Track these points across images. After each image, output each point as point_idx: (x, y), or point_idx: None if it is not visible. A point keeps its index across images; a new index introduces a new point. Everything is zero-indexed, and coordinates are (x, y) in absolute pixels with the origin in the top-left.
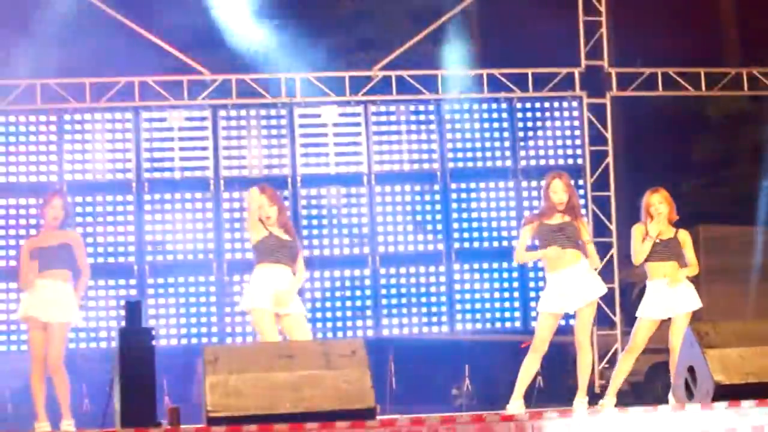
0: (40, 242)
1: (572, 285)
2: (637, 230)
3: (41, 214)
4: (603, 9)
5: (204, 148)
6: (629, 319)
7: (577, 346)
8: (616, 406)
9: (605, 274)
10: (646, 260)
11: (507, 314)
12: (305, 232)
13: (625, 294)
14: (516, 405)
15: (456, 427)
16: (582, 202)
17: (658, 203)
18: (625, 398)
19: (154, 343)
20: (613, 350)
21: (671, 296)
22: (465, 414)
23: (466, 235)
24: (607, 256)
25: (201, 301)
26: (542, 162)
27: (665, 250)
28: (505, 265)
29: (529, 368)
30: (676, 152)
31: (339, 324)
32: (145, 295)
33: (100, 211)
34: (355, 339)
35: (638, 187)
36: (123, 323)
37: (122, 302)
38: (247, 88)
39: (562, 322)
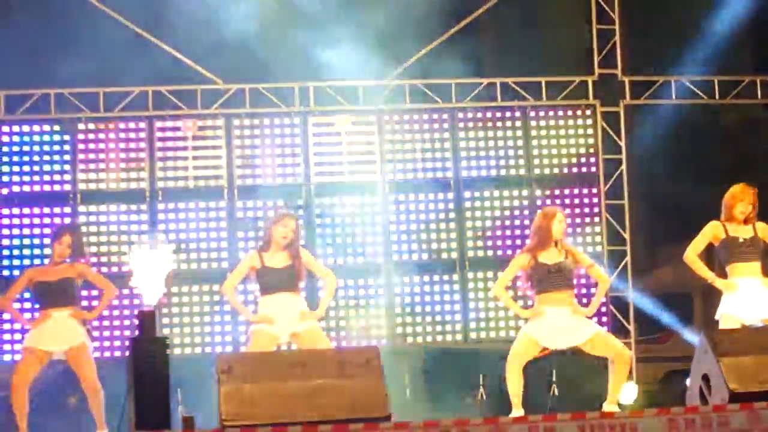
0: (42, 275)
1: (560, 324)
2: (711, 228)
3: (51, 245)
4: (616, 17)
5: (218, 157)
6: (643, 329)
7: (615, 357)
8: None
9: (619, 283)
10: (730, 261)
11: (521, 323)
12: (318, 241)
13: (640, 303)
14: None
15: (469, 429)
16: (596, 210)
17: (747, 203)
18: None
19: (168, 352)
20: None
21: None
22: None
23: (479, 243)
24: (621, 265)
25: (215, 310)
26: (556, 170)
27: (750, 250)
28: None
29: (514, 380)
30: (691, 160)
31: (353, 333)
32: (159, 304)
33: (114, 221)
34: (369, 347)
35: (652, 196)
36: (136, 332)
37: (136, 311)
38: (260, 97)
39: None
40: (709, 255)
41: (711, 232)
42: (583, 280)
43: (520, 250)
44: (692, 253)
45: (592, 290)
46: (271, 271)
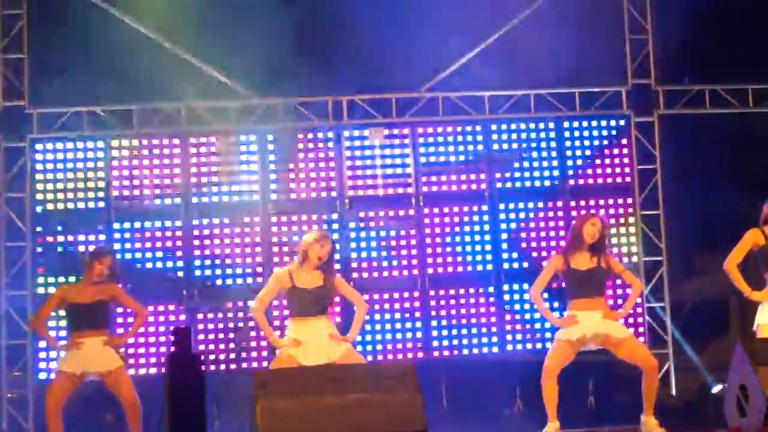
0: (76, 296)
1: (594, 325)
2: (751, 235)
3: (88, 265)
4: (649, 27)
5: (253, 172)
6: (680, 339)
7: (643, 364)
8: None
9: (655, 292)
10: None
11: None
12: (354, 255)
13: (677, 312)
14: (552, 427)
15: None
16: (631, 221)
17: None
18: (676, 418)
19: (203, 368)
20: (665, 369)
21: None
22: None
23: (515, 255)
24: (657, 275)
25: (250, 325)
26: (590, 181)
27: None
28: (554, 285)
29: (550, 392)
30: (727, 169)
31: (389, 346)
32: (194, 320)
33: (149, 237)
34: (404, 361)
35: (687, 205)
36: (172, 349)
37: (171, 328)
38: (294, 111)
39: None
40: (751, 263)
41: (751, 239)
42: (618, 290)
43: (555, 252)
44: (732, 263)
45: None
46: (301, 292)
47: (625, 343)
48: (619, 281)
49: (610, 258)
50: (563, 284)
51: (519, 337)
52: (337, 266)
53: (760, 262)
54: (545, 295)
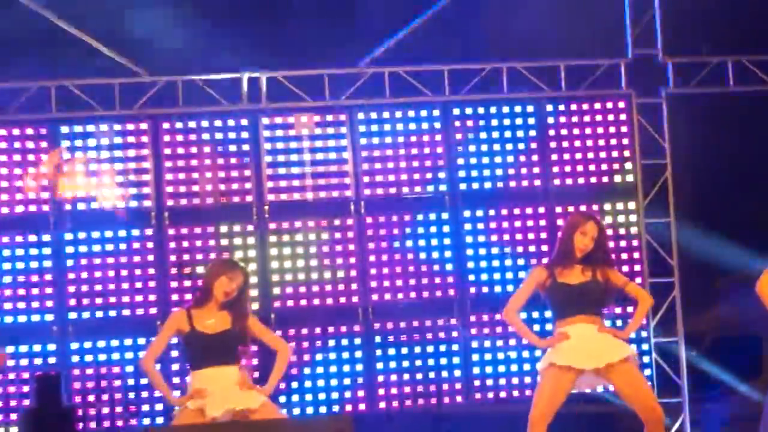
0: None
1: (589, 342)
2: None
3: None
4: None
5: (144, 171)
6: (699, 381)
7: (644, 414)
8: None
9: (667, 324)
10: None
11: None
12: (275, 279)
13: (693, 349)
14: None
15: None
16: (633, 231)
17: None
18: None
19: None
20: (678, 424)
21: None
22: None
23: (484, 277)
24: (668, 302)
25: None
26: (580, 180)
27: None
28: (535, 314)
29: None
30: (756, 164)
31: (321, 396)
32: (67, 363)
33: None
34: (341, 415)
35: (706, 211)
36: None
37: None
38: (197, 92)
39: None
40: None
41: None
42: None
43: (537, 264)
44: (766, 286)
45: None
46: (203, 338)
47: (625, 370)
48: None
49: (609, 270)
50: (548, 304)
51: (490, 382)
52: (253, 293)
53: None
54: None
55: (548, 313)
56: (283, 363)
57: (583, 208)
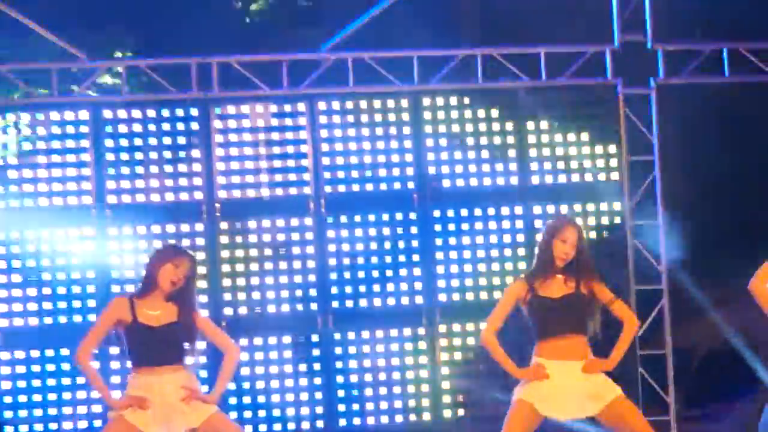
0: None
1: (569, 386)
2: None
3: None
4: None
5: (83, 164)
6: (688, 399)
7: None
8: None
9: (654, 335)
10: None
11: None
12: (226, 283)
13: (683, 365)
14: None
15: None
16: (619, 234)
17: None
18: None
19: None
20: None
21: None
22: None
23: (455, 283)
24: (656, 311)
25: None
26: (561, 179)
27: None
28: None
29: None
30: (754, 160)
31: (276, 412)
32: None
33: None
34: None
35: (698, 213)
36: None
37: None
38: (143, 79)
39: None
40: None
41: None
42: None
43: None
44: (760, 283)
45: None
46: (147, 332)
47: (613, 407)
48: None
49: (594, 283)
50: (529, 321)
51: (461, 398)
52: (203, 299)
53: None
54: None
55: None
56: (231, 366)
57: (564, 208)
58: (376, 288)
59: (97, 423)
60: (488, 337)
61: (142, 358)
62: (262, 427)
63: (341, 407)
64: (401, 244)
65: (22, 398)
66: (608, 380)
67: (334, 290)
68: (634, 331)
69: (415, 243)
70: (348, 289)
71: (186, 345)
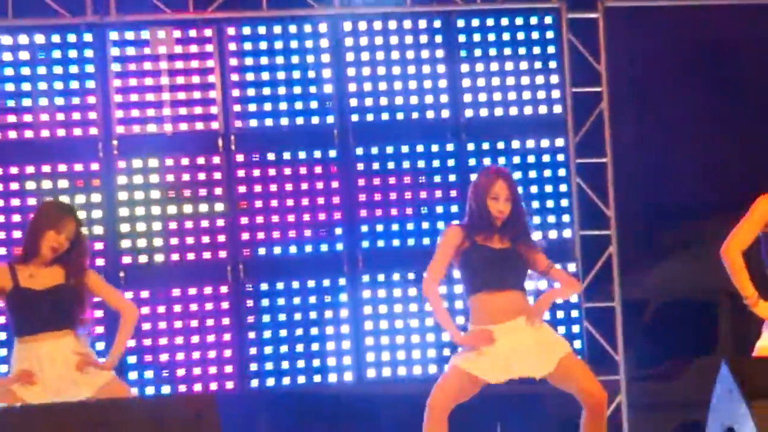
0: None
1: (516, 350)
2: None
3: None
4: None
5: None
6: (639, 358)
7: (584, 398)
8: None
9: (601, 286)
10: None
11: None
12: (124, 229)
13: (633, 319)
14: None
15: None
16: (562, 174)
17: None
18: None
19: None
20: (615, 404)
21: None
22: None
23: (380, 228)
24: (603, 259)
25: None
26: (498, 112)
27: None
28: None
29: None
30: (716, 93)
31: (180, 372)
32: None
33: None
34: (202, 395)
35: (651, 150)
36: None
37: None
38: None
39: None
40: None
41: (764, 212)
42: None
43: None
44: (734, 248)
45: None
46: (30, 297)
47: (562, 365)
48: None
49: (531, 249)
50: (464, 274)
51: (386, 357)
52: (98, 247)
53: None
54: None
55: None
56: (129, 328)
57: (500, 145)
58: (292, 234)
59: None
60: (429, 288)
61: (27, 325)
62: (165, 389)
63: (253, 366)
64: (319, 185)
65: None
66: (558, 336)
67: (245, 236)
68: (575, 292)
69: (335, 184)
70: (260, 236)
71: (75, 308)
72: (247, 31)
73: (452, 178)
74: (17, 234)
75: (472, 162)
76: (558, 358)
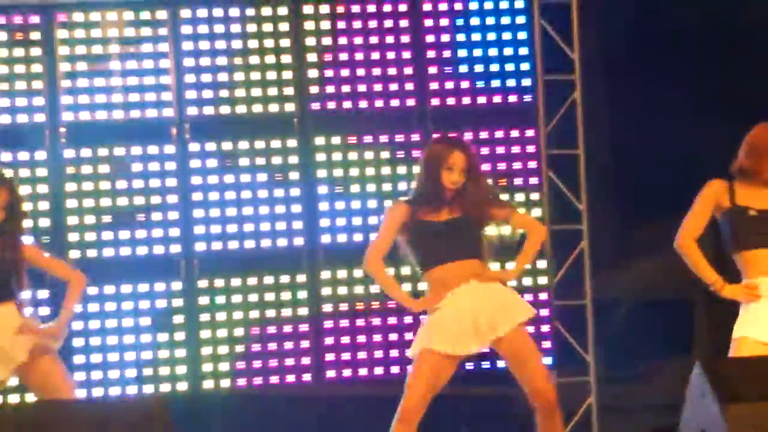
0: None
1: (474, 311)
2: (712, 189)
3: None
4: None
5: None
6: (610, 359)
7: (533, 398)
8: None
9: (572, 283)
10: (746, 246)
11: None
12: (72, 221)
13: (604, 318)
14: None
15: None
16: (532, 166)
17: None
18: None
19: None
20: (585, 407)
21: None
22: None
23: (341, 222)
24: (573, 255)
25: None
26: (465, 100)
27: None
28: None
29: None
30: (688, 83)
31: (130, 372)
32: None
33: None
34: (151, 396)
35: (624, 140)
36: None
37: None
38: None
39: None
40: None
41: (712, 197)
42: None
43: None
44: (687, 237)
45: None
46: None
47: (514, 337)
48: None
49: (488, 209)
50: (410, 253)
51: (347, 356)
52: (45, 240)
53: (727, 237)
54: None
55: None
56: (76, 294)
57: (468, 134)
58: (249, 228)
59: None
60: (373, 264)
61: None
62: (115, 390)
63: (206, 367)
64: (278, 177)
65: None
66: (522, 300)
67: (200, 230)
68: (541, 238)
69: (294, 175)
70: (215, 229)
71: (13, 279)
72: (202, 13)
73: (416, 169)
74: None
75: None
76: (517, 321)
